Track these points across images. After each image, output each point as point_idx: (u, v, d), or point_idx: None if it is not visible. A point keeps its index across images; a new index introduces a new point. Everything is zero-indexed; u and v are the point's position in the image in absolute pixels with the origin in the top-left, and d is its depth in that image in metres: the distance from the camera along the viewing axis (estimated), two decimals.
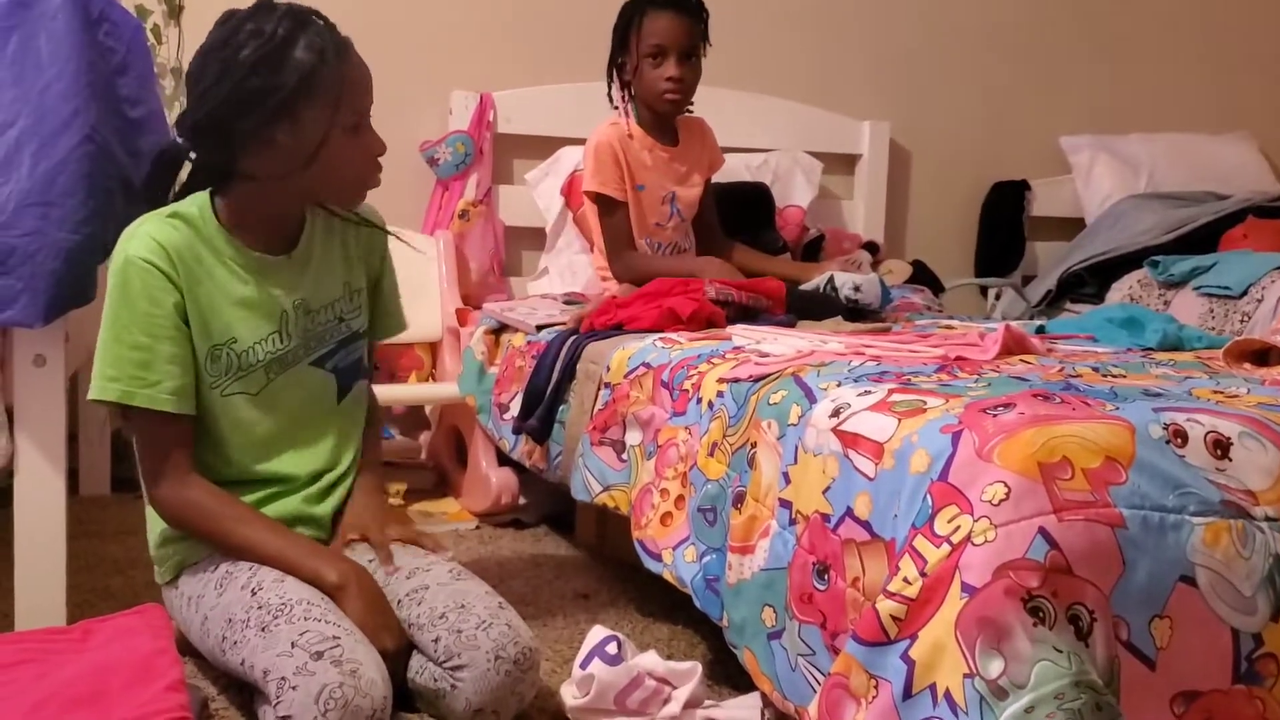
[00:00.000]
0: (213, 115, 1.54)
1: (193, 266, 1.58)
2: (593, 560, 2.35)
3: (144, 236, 1.56)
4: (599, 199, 2.53)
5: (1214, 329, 2.82)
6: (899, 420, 1.30)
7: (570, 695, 1.57)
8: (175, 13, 2.81)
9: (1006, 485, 1.13)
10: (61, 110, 1.65)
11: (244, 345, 1.62)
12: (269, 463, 1.67)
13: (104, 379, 1.56)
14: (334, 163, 1.58)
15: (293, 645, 1.41)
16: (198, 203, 1.62)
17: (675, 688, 1.55)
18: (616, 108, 2.57)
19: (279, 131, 1.54)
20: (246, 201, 1.62)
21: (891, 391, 1.40)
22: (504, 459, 2.54)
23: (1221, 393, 1.44)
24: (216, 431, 1.64)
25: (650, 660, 1.57)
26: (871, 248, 3.18)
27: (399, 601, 1.59)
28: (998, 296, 3.50)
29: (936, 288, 3.12)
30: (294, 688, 1.36)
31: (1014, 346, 1.81)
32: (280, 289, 1.65)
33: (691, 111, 2.62)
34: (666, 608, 1.99)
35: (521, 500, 2.60)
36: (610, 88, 2.57)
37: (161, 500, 1.61)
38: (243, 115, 1.53)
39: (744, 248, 2.72)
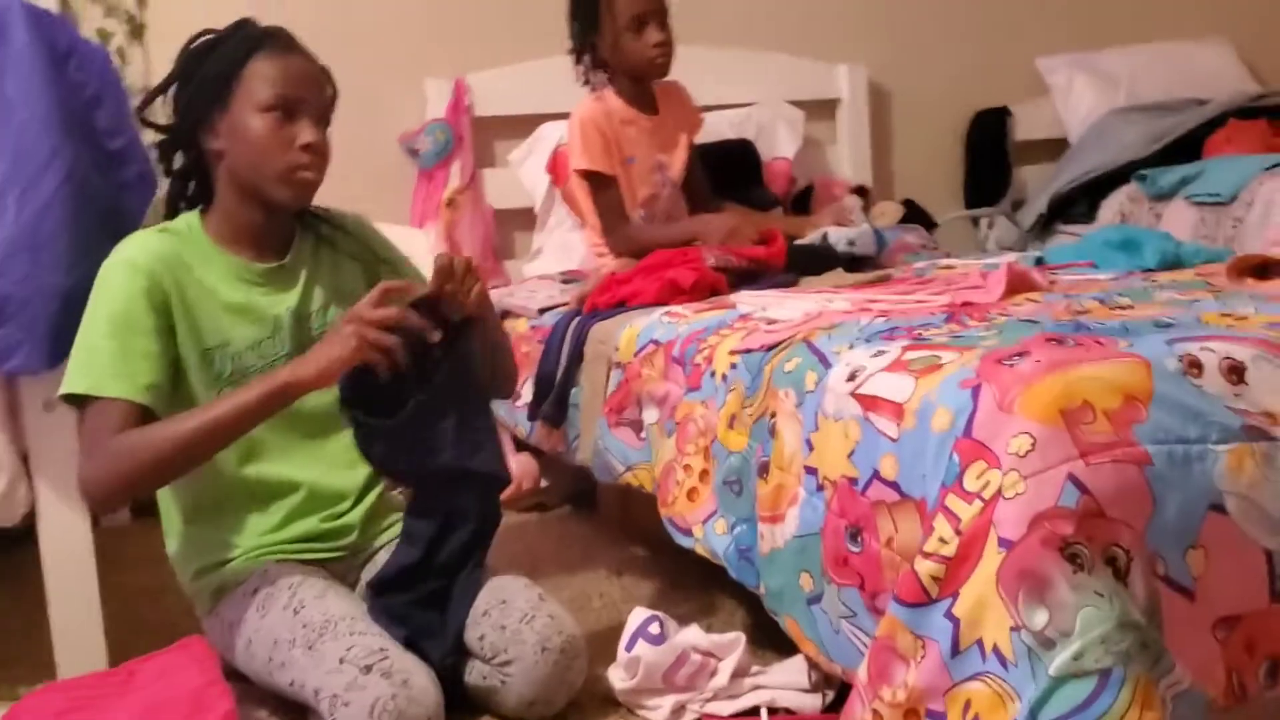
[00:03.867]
0: (177, 107, 1.65)
1: (180, 272, 1.60)
2: (620, 537, 2.36)
3: (132, 243, 1.60)
4: (589, 176, 2.51)
5: (1207, 237, 2.82)
6: (916, 379, 1.30)
7: (618, 679, 1.59)
8: (138, 32, 2.79)
9: (1031, 435, 1.13)
10: (40, 151, 1.64)
11: (236, 349, 1.63)
12: (273, 465, 1.65)
13: (76, 374, 1.53)
14: (253, 143, 1.59)
15: (341, 661, 1.42)
16: (186, 220, 1.67)
17: (720, 659, 1.57)
18: (593, 87, 2.54)
19: (217, 111, 1.61)
20: (224, 210, 1.65)
21: (905, 349, 1.40)
22: (521, 444, 2.54)
23: (1230, 315, 1.45)
24: None
25: (693, 635, 1.59)
26: (861, 192, 3.17)
27: None
28: (990, 226, 3.49)
29: (929, 225, 3.12)
30: (346, 704, 1.38)
31: (1018, 285, 1.81)
32: (271, 296, 1.67)
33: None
34: (699, 577, 2.00)
35: (543, 483, 2.61)
36: (581, 68, 2.54)
37: (92, 479, 1.51)
38: (195, 101, 1.62)
39: (735, 207, 2.71)
